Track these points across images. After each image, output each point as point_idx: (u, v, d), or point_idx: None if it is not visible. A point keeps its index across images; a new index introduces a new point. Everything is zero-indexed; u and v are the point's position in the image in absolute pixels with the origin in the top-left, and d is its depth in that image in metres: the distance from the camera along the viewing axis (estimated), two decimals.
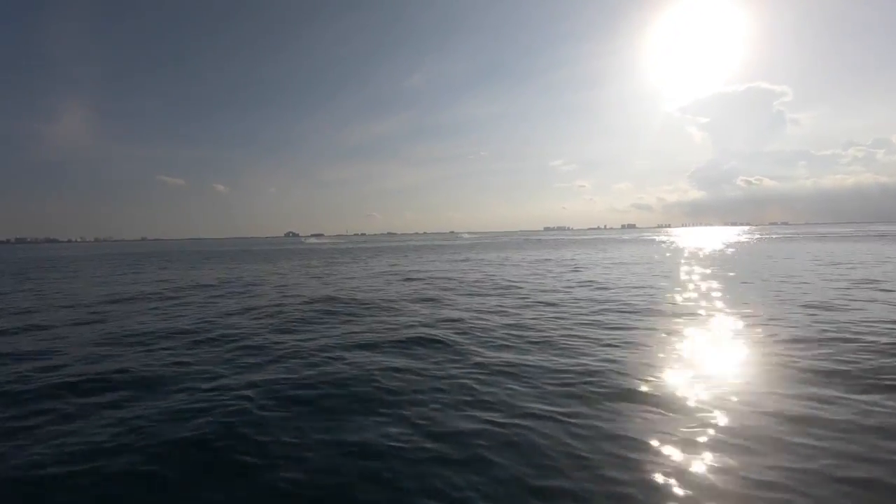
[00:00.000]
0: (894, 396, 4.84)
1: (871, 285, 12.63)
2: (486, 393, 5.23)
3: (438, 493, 3.35)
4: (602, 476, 3.51)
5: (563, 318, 9.23)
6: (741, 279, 15.00)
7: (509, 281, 16.26)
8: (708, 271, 17.81)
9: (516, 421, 4.47)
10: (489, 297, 12.41)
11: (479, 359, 6.56)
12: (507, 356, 6.65)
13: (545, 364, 6.22)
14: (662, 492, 3.30)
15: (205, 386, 5.67)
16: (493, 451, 3.92)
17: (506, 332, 8.18)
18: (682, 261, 23.50)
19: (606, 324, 8.68)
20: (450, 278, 17.68)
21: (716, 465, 3.63)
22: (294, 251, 54.03)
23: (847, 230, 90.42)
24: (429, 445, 4.03)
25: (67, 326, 9.72)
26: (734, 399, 4.89)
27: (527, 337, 7.78)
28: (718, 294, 11.90)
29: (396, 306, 11.26)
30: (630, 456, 3.79)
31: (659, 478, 3.47)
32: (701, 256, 26.76)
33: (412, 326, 8.76)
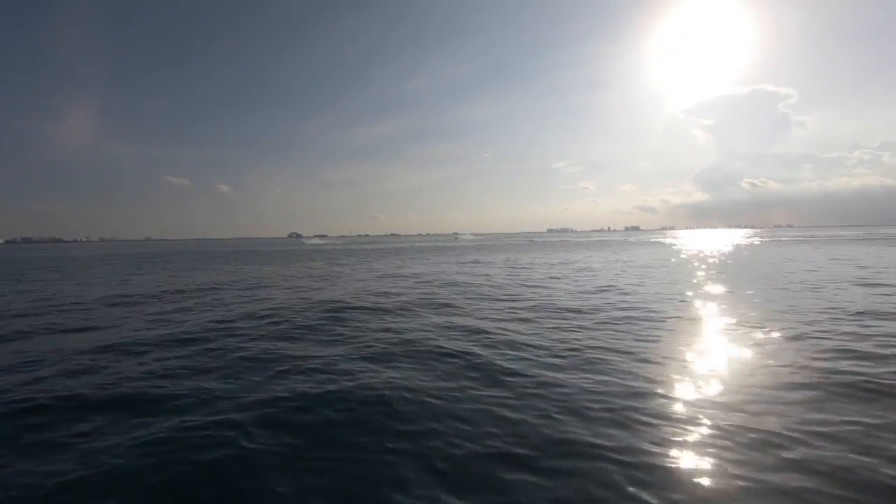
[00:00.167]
0: None
1: None
2: (518, 422, 4.44)
3: None
4: None
5: (588, 328, 8.43)
6: (773, 285, 14.12)
7: (524, 285, 15.45)
8: (731, 276, 16.96)
9: (560, 463, 3.68)
10: (505, 303, 11.61)
11: (504, 376, 5.78)
12: (537, 373, 5.85)
13: (580, 383, 5.43)
14: None
15: (190, 409, 4.91)
16: None
17: (529, 342, 7.38)
18: (699, 264, 22.60)
19: (637, 334, 7.88)
20: (459, 283, 16.86)
21: None
22: (296, 252, 53.36)
23: (855, 233, 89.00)
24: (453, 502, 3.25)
25: (54, 333, 9.02)
26: (804, 427, 4.10)
27: (554, 349, 6.99)
28: (749, 302, 11.06)
29: (406, 313, 10.48)
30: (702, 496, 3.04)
31: None
32: (717, 260, 25.86)
33: (425, 337, 7.96)
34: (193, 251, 62.30)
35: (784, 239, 62.86)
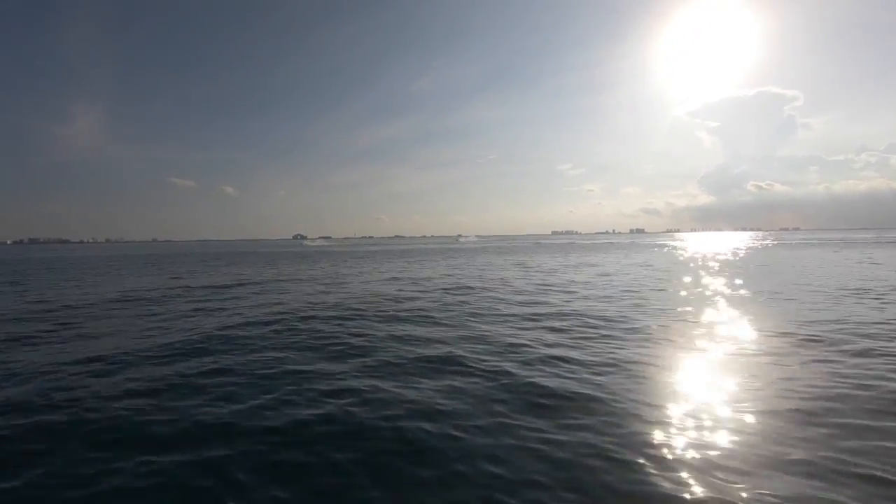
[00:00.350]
0: None
1: None
2: (568, 465, 3.55)
3: None
4: None
5: (622, 338, 7.51)
6: (806, 289, 13.14)
7: (545, 290, 14.51)
8: (757, 279, 15.98)
9: None
10: (525, 308, 10.67)
11: (541, 399, 4.88)
12: (579, 394, 4.94)
13: (636, 409, 4.52)
14: None
15: (167, 443, 4.06)
16: None
17: (563, 356, 6.43)
18: (718, 267, 21.59)
19: (684, 346, 6.97)
20: (475, 287, 15.97)
21: None
22: (300, 255, 52.61)
23: (865, 236, 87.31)
24: None
25: (37, 343, 8.18)
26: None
27: (591, 364, 6.07)
28: (786, 309, 10.12)
29: (422, 321, 9.58)
30: None
31: None
32: (736, 263, 24.79)
33: (446, 351, 7.00)
34: (198, 252, 61.68)
35: (793, 242, 61.56)
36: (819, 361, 6.06)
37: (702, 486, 3.22)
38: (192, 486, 3.37)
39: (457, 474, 3.49)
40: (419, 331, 8.49)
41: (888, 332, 7.57)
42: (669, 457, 3.64)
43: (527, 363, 6.21)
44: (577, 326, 8.59)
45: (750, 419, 4.31)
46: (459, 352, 6.79)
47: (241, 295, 14.50)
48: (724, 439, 3.92)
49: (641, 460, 3.60)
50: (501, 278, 18.66)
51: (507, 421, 4.38)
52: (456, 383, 5.46)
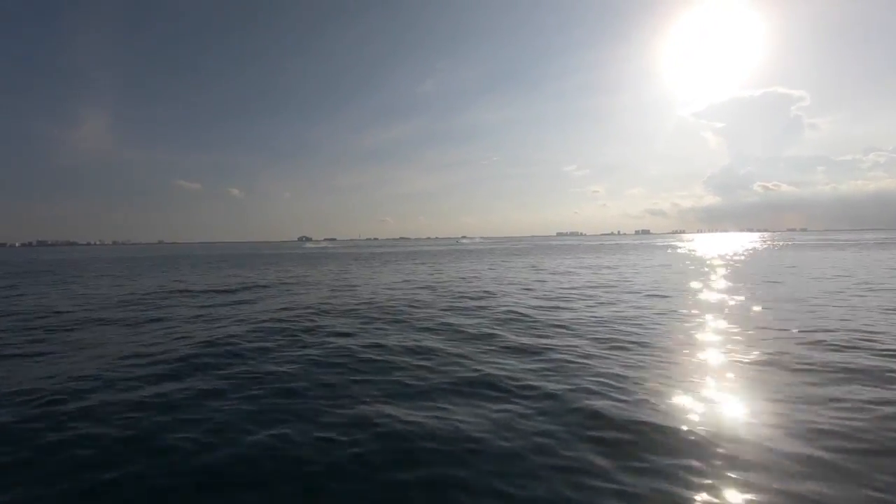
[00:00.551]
0: None
1: None
2: None
3: None
4: None
5: (672, 350, 6.65)
6: (830, 287, 12.22)
7: (571, 293, 13.72)
8: (790, 281, 15.08)
9: None
10: (551, 313, 9.83)
11: (604, 433, 4.04)
12: (647, 422, 4.09)
13: (721, 449, 3.75)
14: None
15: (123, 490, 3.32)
16: None
17: (613, 373, 5.58)
18: (741, 267, 20.62)
19: (735, 358, 6.17)
20: (494, 292, 15.22)
21: None
22: (303, 256, 52.02)
23: (875, 236, 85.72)
24: None
25: (12, 355, 7.53)
26: None
27: (654, 386, 5.17)
28: (826, 313, 9.26)
29: (440, 330, 8.81)
30: None
31: None
32: (752, 262, 23.79)
33: (472, 366, 6.21)
34: (204, 255, 61.25)
35: (806, 242, 60.29)
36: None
37: None
38: None
39: None
40: (440, 344, 7.59)
41: None
42: None
43: (571, 382, 5.39)
44: (616, 337, 7.72)
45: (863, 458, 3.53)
46: (490, 369, 6.01)
47: (244, 300, 13.79)
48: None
49: None
50: (519, 281, 17.82)
51: (561, 462, 3.60)
52: (492, 413, 4.67)
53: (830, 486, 3.21)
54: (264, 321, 9.71)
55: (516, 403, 4.83)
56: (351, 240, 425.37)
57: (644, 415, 4.42)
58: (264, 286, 17.51)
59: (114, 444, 4.02)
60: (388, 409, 4.70)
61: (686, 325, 8.66)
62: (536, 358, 6.53)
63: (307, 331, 8.70)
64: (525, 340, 7.59)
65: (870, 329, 7.89)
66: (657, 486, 3.24)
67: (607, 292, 13.66)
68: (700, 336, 7.71)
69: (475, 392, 5.20)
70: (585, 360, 6.32)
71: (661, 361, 6.23)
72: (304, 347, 7.37)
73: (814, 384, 5.22)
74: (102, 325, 9.84)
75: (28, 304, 13.30)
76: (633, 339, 7.57)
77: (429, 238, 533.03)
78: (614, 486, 3.26)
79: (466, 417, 4.50)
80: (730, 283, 15.31)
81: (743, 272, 19.35)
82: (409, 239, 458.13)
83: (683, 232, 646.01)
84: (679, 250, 44.81)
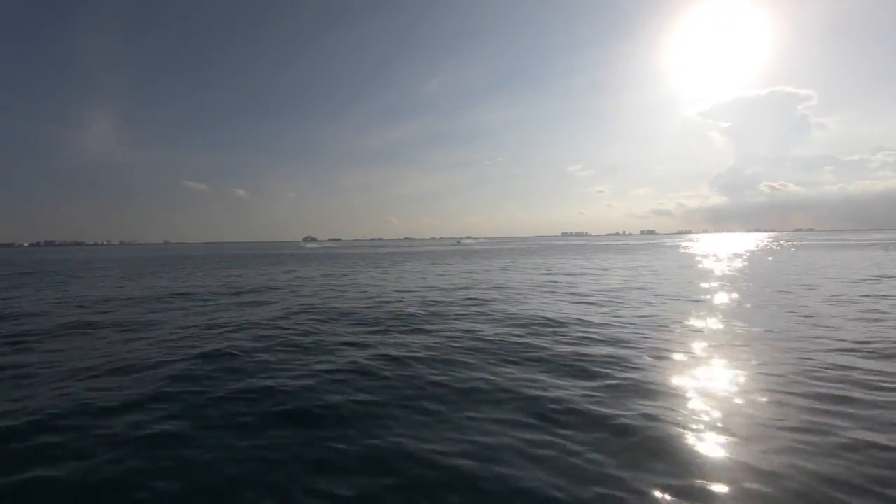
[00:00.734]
0: None
1: None
2: None
3: None
4: None
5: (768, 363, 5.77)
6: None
7: (609, 295, 12.84)
8: (833, 283, 14.06)
9: None
10: (606, 309, 8.96)
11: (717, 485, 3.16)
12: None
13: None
14: None
15: None
16: None
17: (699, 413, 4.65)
18: (773, 266, 19.65)
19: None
20: (519, 298, 14.32)
21: None
22: (308, 256, 51.28)
23: (887, 237, 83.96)
24: None
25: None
26: None
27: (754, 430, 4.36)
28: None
29: (469, 344, 7.95)
30: None
31: None
32: (781, 263, 22.71)
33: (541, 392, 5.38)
34: (210, 255, 60.69)
35: (818, 242, 58.93)
36: None
37: None
38: None
39: None
40: (469, 371, 6.03)
41: None
42: None
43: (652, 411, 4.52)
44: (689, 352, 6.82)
45: None
46: (556, 391, 5.10)
47: (245, 303, 12.97)
48: None
49: None
50: (539, 284, 16.86)
51: None
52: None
53: None
54: (270, 327, 8.86)
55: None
56: (356, 240, 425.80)
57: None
58: (273, 288, 16.70)
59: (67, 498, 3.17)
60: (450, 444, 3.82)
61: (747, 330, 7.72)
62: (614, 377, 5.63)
63: (353, 344, 7.83)
64: (587, 350, 6.69)
65: None
66: None
67: (651, 297, 12.72)
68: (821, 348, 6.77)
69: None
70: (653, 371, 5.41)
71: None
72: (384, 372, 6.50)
73: None
74: (94, 329, 9.04)
75: (22, 307, 12.52)
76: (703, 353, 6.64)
77: (433, 238, 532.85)
78: None
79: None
80: (778, 286, 14.31)
81: (779, 273, 18.33)
82: (413, 239, 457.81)
83: (689, 232, 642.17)
84: (690, 251, 43.69)
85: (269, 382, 5.26)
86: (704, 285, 14.79)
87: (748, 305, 10.60)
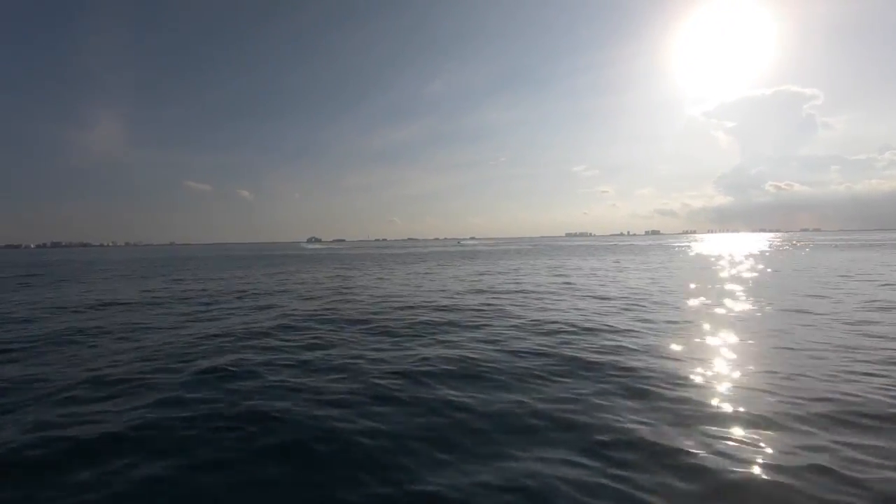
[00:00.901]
0: None
1: None
2: None
3: None
4: None
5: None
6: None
7: (637, 300, 12.09)
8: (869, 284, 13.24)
9: None
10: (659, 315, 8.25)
11: None
12: None
13: None
14: None
15: None
16: None
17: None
18: (789, 265, 18.81)
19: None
20: (525, 302, 13.58)
21: None
22: (312, 257, 50.68)
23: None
24: None
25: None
26: None
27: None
28: None
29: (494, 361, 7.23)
30: None
31: None
32: (791, 262, 21.84)
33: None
34: (214, 255, 60.23)
35: (827, 243, 57.79)
36: None
37: None
38: None
39: None
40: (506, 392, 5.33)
41: None
42: None
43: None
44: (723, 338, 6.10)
45: None
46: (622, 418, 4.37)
47: (247, 308, 12.30)
48: None
49: None
50: (554, 287, 16.08)
51: None
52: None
53: None
54: (285, 337, 8.18)
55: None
56: (360, 241, 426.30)
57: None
58: (278, 292, 16.05)
59: None
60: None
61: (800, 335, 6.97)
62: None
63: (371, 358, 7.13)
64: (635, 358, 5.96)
65: None
66: None
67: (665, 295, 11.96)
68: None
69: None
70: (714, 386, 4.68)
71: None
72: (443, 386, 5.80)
73: None
74: (83, 336, 8.39)
75: (18, 312, 11.91)
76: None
77: (436, 238, 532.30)
78: None
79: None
80: (810, 290, 13.51)
81: (803, 274, 17.50)
82: (416, 240, 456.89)
83: (694, 232, 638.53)
84: (700, 251, 42.79)
85: (265, 408, 4.54)
86: (730, 288, 14.01)
87: (787, 312, 9.83)
